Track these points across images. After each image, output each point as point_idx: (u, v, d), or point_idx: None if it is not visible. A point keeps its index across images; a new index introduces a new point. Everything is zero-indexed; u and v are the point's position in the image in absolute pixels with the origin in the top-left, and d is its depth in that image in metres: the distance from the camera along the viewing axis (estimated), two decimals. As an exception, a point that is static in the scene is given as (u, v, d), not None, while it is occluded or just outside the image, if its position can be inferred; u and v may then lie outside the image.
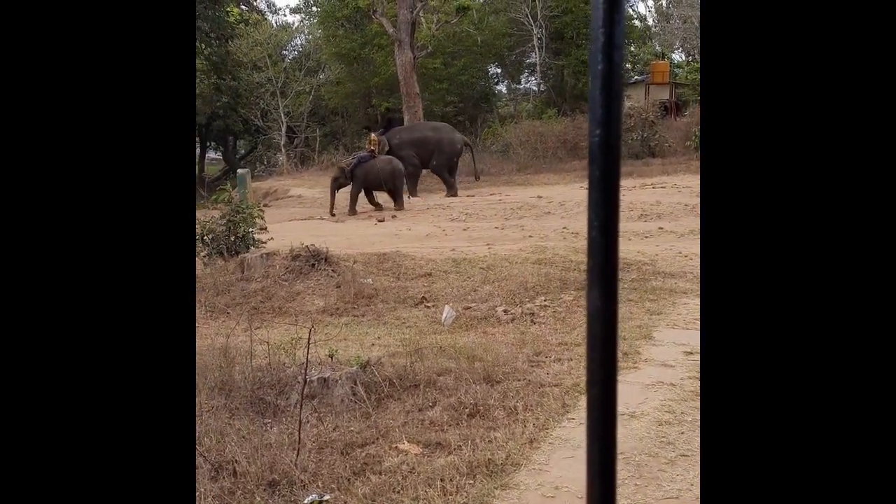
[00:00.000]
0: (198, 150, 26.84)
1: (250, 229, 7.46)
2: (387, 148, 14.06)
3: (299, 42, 27.04)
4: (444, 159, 14.53)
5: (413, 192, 14.34)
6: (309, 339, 3.20)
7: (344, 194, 12.85)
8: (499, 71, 27.58)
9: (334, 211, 12.71)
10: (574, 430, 3.07)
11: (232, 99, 21.37)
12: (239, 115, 22.77)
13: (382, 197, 12.97)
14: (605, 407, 0.43)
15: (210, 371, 3.80)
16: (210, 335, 5.32)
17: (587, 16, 24.69)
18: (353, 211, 12.62)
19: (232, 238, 7.38)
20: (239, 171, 14.03)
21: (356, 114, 24.52)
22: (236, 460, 2.93)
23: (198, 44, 17.95)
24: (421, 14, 18.83)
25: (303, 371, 3.66)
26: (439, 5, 20.46)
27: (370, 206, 12.91)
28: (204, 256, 7.18)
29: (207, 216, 7.78)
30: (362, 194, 12.80)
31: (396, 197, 12.74)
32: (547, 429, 3.08)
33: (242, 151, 29.17)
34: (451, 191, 14.29)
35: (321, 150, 21.81)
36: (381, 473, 2.77)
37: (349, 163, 13.05)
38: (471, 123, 23.57)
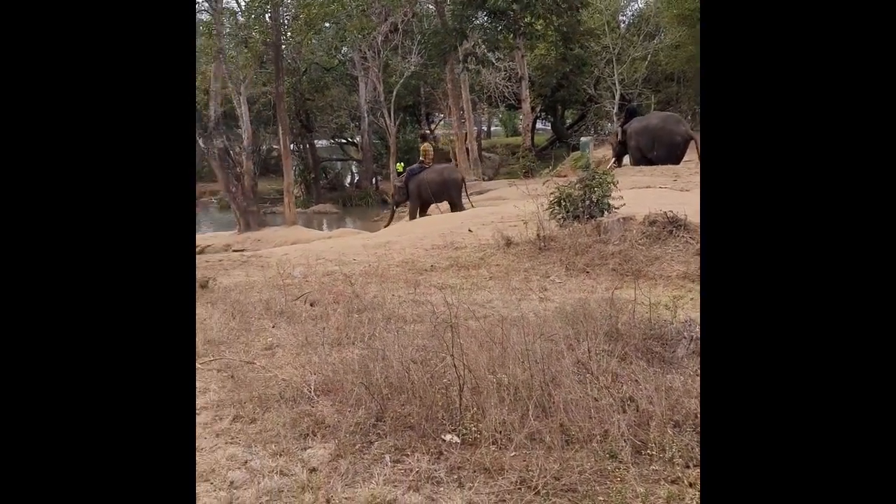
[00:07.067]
0: (529, 122, 28.23)
1: (605, 194, 7.79)
2: (621, 138, 14.96)
3: (637, 6, 26.66)
4: (664, 150, 14.69)
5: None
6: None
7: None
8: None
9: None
10: None
11: (576, 67, 21.90)
12: (581, 83, 23.29)
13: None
14: None
15: (598, 319, 4.19)
16: (575, 290, 5.79)
17: None
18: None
19: (587, 202, 7.78)
20: (582, 139, 14.56)
21: (694, 80, 23.47)
22: (633, 398, 3.22)
23: (549, 15, 18.67)
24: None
25: (688, 325, 3.85)
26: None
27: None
28: (560, 218, 7.70)
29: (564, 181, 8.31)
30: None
31: (455, 208, 11.92)
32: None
33: (569, 121, 29.81)
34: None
35: (654, 117, 21.40)
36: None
37: (402, 179, 12.44)
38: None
